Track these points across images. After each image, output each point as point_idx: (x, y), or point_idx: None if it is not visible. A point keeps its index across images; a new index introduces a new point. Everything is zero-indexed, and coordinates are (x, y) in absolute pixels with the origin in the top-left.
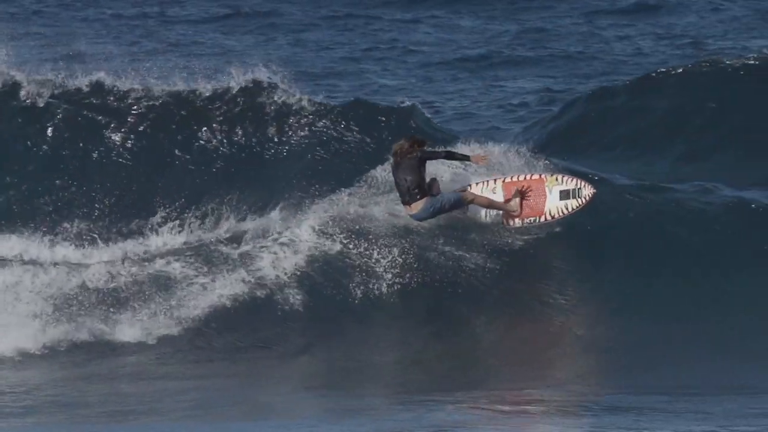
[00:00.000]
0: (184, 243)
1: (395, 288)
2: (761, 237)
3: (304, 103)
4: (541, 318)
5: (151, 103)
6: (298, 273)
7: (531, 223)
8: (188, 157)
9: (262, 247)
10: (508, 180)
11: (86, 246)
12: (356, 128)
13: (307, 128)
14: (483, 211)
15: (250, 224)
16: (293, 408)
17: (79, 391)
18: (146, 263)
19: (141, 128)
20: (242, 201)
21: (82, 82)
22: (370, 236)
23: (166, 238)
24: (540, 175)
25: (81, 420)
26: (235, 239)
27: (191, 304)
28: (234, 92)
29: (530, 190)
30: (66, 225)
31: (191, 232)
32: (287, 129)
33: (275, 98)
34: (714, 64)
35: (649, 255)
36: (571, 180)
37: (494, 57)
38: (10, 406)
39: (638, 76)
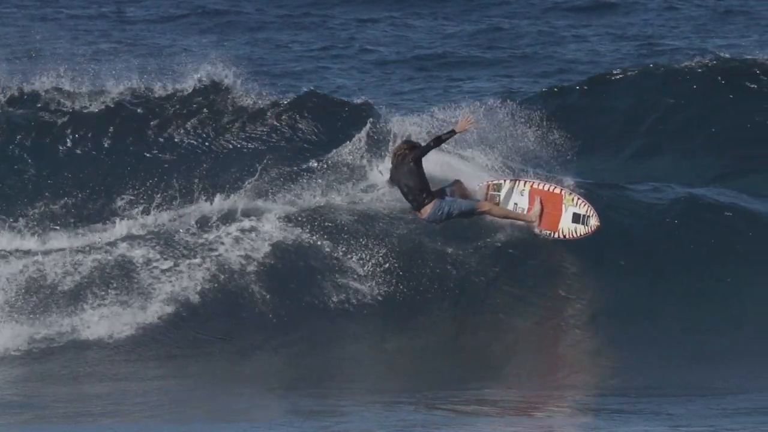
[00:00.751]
0: (146, 234)
1: (365, 281)
2: (712, 231)
3: (261, 98)
4: (509, 316)
5: (109, 100)
6: (263, 265)
7: (545, 236)
8: (147, 153)
9: (227, 237)
10: (536, 186)
11: (43, 235)
12: (313, 120)
13: (264, 122)
14: None
15: (214, 215)
16: (257, 409)
17: (34, 390)
18: (107, 254)
19: (100, 125)
20: (203, 193)
21: (42, 79)
22: (337, 227)
23: (126, 227)
24: (561, 190)
25: (36, 421)
26: (198, 230)
27: (154, 299)
28: (192, 90)
29: (548, 203)
30: (22, 214)
31: (154, 221)
32: (245, 123)
33: (233, 95)
34: (668, 66)
35: (610, 253)
36: (584, 205)
37: (450, 57)
38: None
39: (593, 76)
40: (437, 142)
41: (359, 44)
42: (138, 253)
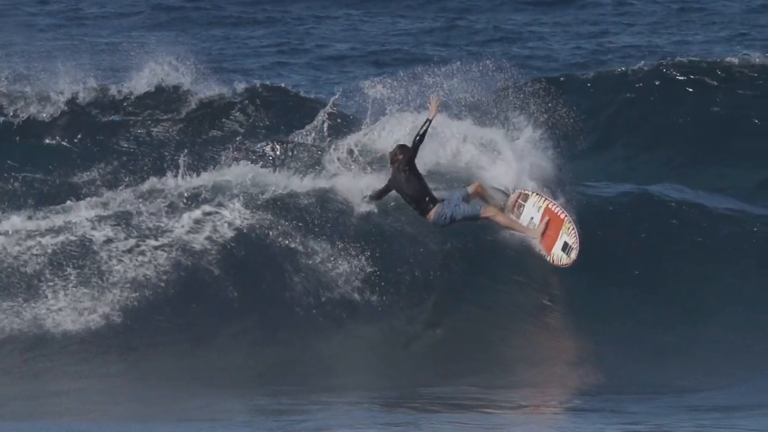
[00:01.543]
0: (108, 218)
1: (332, 271)
2: (665, 226)
3: (220, 92)
4: (471, 312)
5: (68, 98)
6: (227, 252)
7: (541, 254)
8: (107, 143)
9: (190, 224)
10: (550, 206)
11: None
12: (271, 113)
13: (224, 115)
14: None
15: (176, 202)
16: (219, 407)
17: None
18: (66, 237)
19: (62, 117)
20: (163, 180)
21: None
22: (302, 215)
23: (86, 211)
24: (564, 216)
25: None
26: (161, 217)
27: (115, 286)
28: (150, 85)
29: (552, 225)
30: None
31: (115, 206)
32: (206, 116)
33: (192, 89)
34: (621, 66)
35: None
36: (575, 236)
37: (406, 53)
38: None
39: (550, 76)
40: (420, 138)
41: (316, 40)
42: (100, 237)
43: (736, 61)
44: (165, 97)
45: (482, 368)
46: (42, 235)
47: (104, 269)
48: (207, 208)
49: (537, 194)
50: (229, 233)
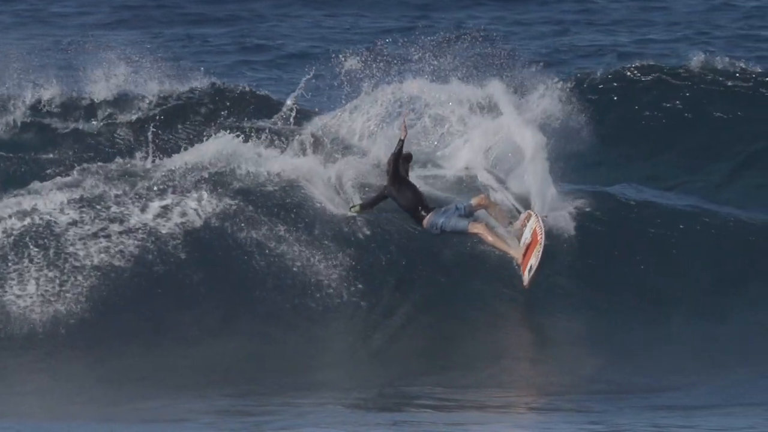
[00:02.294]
0: (74, 207)
1: (305, 263)
2: (632, 226)
3: (183, 91)
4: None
5: (37, 97)
6: (196, 242)
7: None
8: (71, 139)
9: (158, 212)
10: (538, 228)
11: None
12: (236, 110)
13: (184, 110)
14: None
15: (144, 191)
16: (183, 407)
17: None
18: (33, 223)
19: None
20: (123, 179)
21: None
22: (272, 202)
23: (53, 197)
24: (540, 239)
25: None
26: (128, 205)
27: (74, 276)
28: (113, 84)
29: (532, 246)
30: None
31: (82, 193)
32: (167, 113)
33: (152, 87)
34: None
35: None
36: (538, 259)
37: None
38: None
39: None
40: (395, 157)
41: (280, 39)
42: (64, 221)
43: (700, 63)
44: (126, 95)
45: (449, 367)
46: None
47: (69, 255)
48: (174, 195)
49: (536, 215)
50: (197, 222)
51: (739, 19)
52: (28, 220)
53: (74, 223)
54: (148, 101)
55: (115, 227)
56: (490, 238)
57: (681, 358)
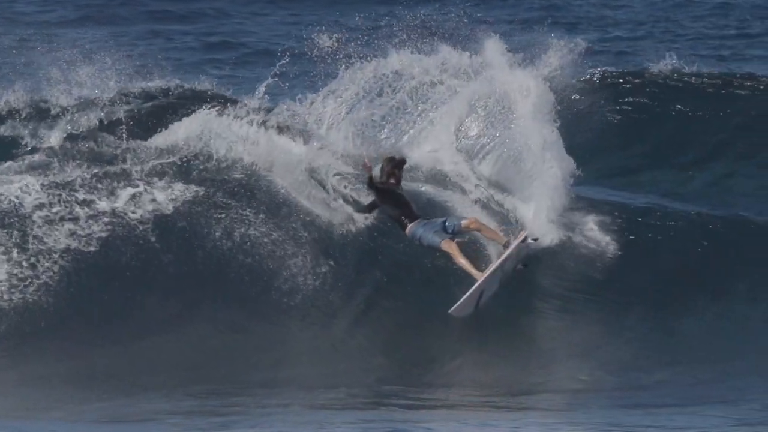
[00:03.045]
0: (40, 194)
1: (272, 255)
2: (597, 227)
3: (139, 85)
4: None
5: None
6: (162, 231)
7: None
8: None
9: (128, 200)
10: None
11: None
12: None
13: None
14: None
15: (109, 178)
16: (140, 407)
17: None
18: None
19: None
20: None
21: None
22: (247, 191)
23: (20, 181)
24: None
25: None
26: (94, 191)
27: (39, 262)
28: (73, 84)
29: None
30: None
31: (51, 177)
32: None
33: (117, 86)
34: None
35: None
36: (484, 282)
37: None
38: None
39: None
40: (369, 188)
41: (247, 37)
42: (30, 203)
43: (668, 67)
44: (88, 95)
45: (419, 365)
46: None
47: (34, 240)
48: (141, 182)
49: (520, 240)
50: (164, 211)
51: (703, 16)
52: None
53: (40, 206)
54: (110, 100)
55: (82, 213)
56: (460, 260)
57: (644, 356)
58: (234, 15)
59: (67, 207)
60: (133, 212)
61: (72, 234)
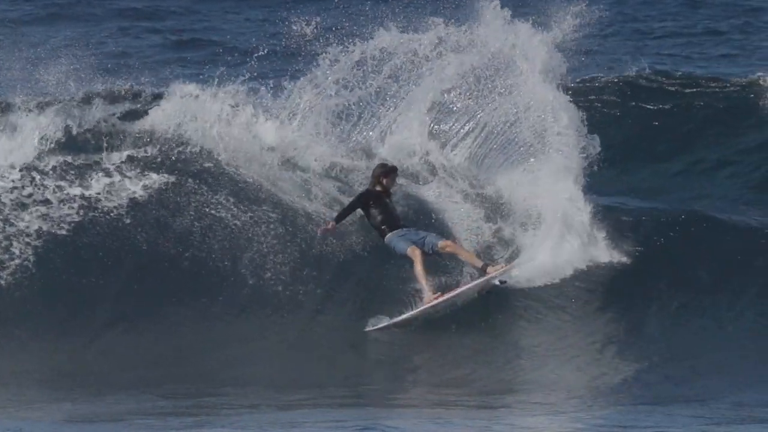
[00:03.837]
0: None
1: (236, 249)
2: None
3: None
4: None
5: None
6: (129, 221)
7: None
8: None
9: (99, 189)
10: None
11: None
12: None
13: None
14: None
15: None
16: (103, 408)
17: None
18: None
19: None
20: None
21: None
22: (214, 181)
23: None
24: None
25: None
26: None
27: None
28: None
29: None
30: None
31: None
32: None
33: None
34: None
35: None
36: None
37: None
38: None
39: None
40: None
41: (218, 35)
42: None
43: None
44: (53, 94)
45: (389, 363)
46: None
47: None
48: (117, 170)
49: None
50: (140, 197)
51: (669, 15)
52: None
53: (11, 190)
54: (82, 98)
55: (54, 199)
56: (418, 270)
57: (615, 355)
58: (204, 13)
59: (39, 191)
60: (106, 201)
61: (41, 222)
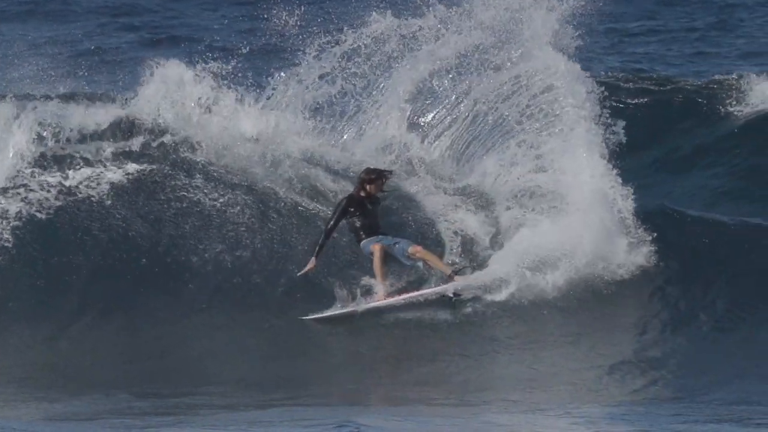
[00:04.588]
0: None
1: (208, 250)
2: None
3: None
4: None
5: None
6: (97, 214)
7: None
8: None
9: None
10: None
11: None
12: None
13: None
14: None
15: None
16: (71, 409)
17: None
18: None
19: None
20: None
21: None
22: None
23: None
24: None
25: None
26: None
27: None
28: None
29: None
30: None
31: None
32: None
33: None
34: None
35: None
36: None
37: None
38: None
39: None
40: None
41: (197, 33)
42: None
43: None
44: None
45: (358, 363)
46: None
47: None
48: (97, 160)
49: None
50: (118, 186)
51: (645, 12)
52: None
53: None
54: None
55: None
56: (377, 265)
57: (596, 353)
58: (182, 10)
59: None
60: (79, 192)
61: (19, 206)
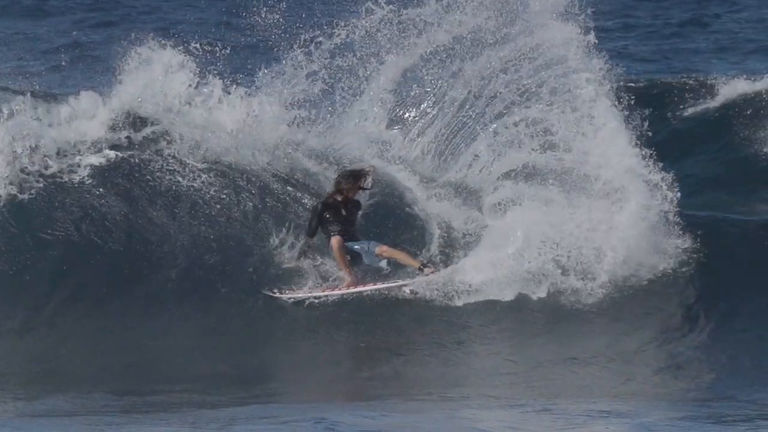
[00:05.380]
0: None
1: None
2: None
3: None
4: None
5: None
6: (79, 207)
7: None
8: None
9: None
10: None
11: None
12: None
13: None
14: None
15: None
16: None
17: None
18: None
19: None
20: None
21: None
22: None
23: None
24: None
25: None
26: None
27: None
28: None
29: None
30: None
31: None
32: None
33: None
34: None
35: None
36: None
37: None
38: None
39: None
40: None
41: (174, 27)
42: None
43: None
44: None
45: (340, 359)
46: None
47: None
48: (68, 150)
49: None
50: (104, 178)
51: (623, 8)
52: None
53: None
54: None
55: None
56: (336, 254)
57: (581, 351)
58: (163, 7)
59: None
60: (70, 180)
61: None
